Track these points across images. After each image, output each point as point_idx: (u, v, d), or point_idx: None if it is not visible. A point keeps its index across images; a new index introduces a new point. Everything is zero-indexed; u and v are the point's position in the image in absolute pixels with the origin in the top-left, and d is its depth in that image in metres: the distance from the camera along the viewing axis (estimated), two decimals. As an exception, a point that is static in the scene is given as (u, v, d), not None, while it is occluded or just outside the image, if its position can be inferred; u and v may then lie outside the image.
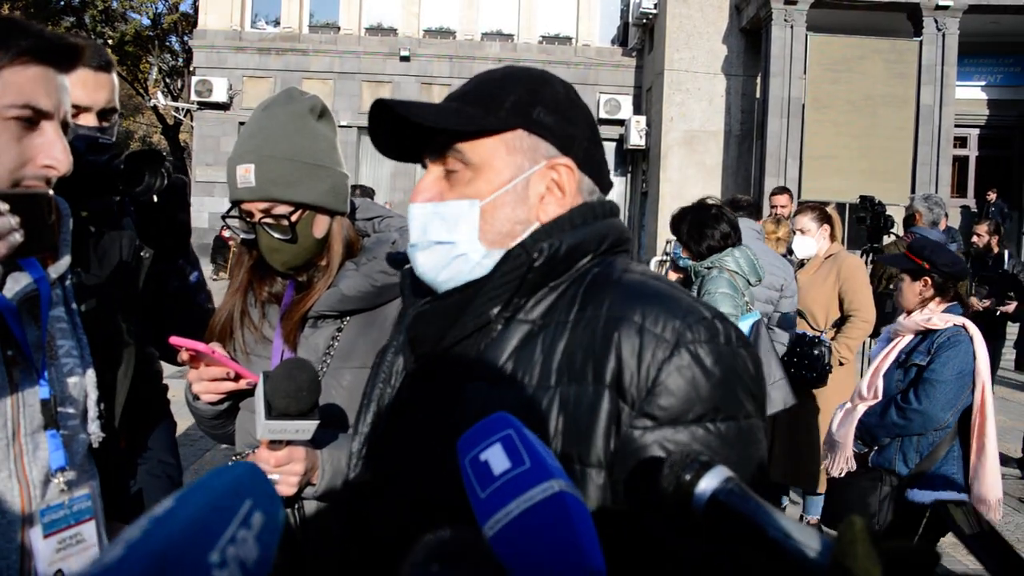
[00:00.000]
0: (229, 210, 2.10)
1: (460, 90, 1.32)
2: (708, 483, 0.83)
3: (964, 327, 4.09)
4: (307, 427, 1.68)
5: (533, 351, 1.19)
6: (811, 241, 5.87)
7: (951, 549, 4.98)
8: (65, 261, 1.65)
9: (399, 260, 2.02)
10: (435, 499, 1.15)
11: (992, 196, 19.81)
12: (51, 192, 1.55)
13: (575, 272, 1.25)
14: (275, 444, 1.70)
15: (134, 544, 0.61)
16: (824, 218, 5.93)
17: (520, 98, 1.26)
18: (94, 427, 1.68)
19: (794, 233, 5.97)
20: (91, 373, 1.69)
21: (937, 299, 4.18)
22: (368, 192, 8.56)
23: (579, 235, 1.25)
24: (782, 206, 7.41)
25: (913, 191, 16.06)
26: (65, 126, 1.57)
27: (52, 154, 1.51)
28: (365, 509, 1.35)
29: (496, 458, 0.86)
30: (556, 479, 0.82)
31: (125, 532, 0.63)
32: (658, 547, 1.02)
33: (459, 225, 1.25)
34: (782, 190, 7.72)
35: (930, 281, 4.16)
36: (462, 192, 1.26)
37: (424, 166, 1.33)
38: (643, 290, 1.18)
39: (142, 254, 1.96)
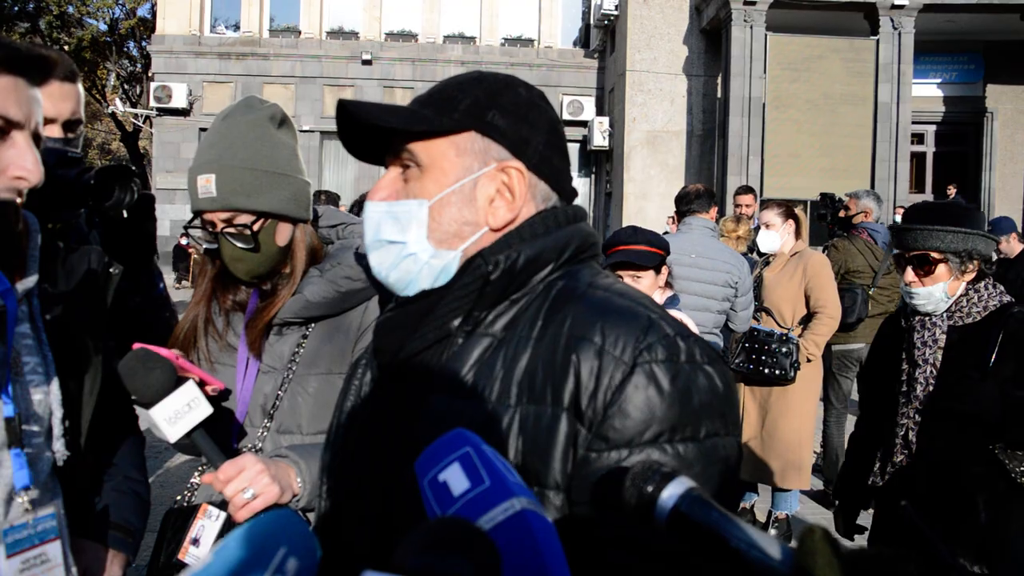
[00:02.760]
0: (191, 220, 2.08)
1: (425, 92, 1.32)
2: (670, 494, 0.83)
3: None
4: (188, 396, 1.72)
5: (494, 366, 1.18)
6: (775, 235, 5.89)
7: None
8: (32, 277, 1.63)
9: (364, 262, 2.02)
10: (399, 513, 1.15)
11: (952, 191, 20.10)
12: (19, 201, 1.53)
13: (537, 284, 1.23)
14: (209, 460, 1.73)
15: None
16: (789, 214, 5.96)
17: (477, 101, 1.26)
18: (59, 445, 1.66)
19: (758, 229, 5.99)
20: (56, 390, 1.66)
21: (661, 287, 4.27)
22: (333, 198, 8.52)
23: (538, 246, 1.23)
24: (747, 205, 7.39)
25: (873, 187, 16.26)
26: (37, 138, 1.55)
27: (23, 165, 1.49)
28: (335, 521, 1.34)
29: (455, 478, 0.85)
30: (517, 497, 0.81)
31: None
32: (619, 565, 1.02)
33: (409, 225, 1.24)
34: (746, 189, 7.67)
35: (666, 268, 4.23)
36: (413, 192, 1.25)
37: (386, 167, 1.33)
38: (605, 308, 1.16)
39: (111, 270, 1.93)
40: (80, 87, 2.41)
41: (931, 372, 3.08)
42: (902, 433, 3.14)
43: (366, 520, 1.22)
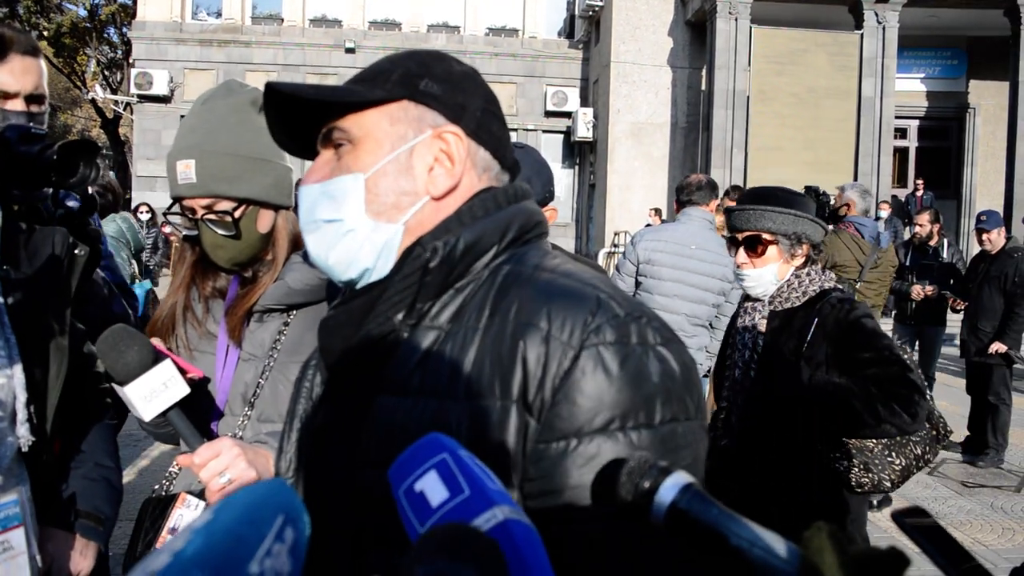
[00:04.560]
0: (170, 206, 2.05)
1: (355, 75, 1.27)
2: (668, 490, 0.80)
3: None
4: (164, 375, 1.70)
5: (441, 360, 1.11)
6: None
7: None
8: None
9: None
10: (352, 518, 1.11)
11: (920, 185, 20.03)
12: None
13: (481, 270, 1.17)
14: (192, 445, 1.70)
15: (179, 552, 0.63)
16: None
17: (408, 71, 1.21)
18: (23, 430, 1.63)
19: None
20: (20, 374, 1.63)
21: None
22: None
23: (477, 229, 1.17)
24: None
25: (856, 181, 16.34)
26: None
27: None
28: None
29: (432, 487, 0.80)
30: (499, 506, 0.77)
31: (169, 541, 0.65)
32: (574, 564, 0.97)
33: (346, 201, 1.18)
34: (736, 189, 7.50)
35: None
36: (346, 167, 1.19)
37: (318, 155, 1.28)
38: (551, 290, 1.10)
39: (76, 251, 1.89)
40: (42, 63, 2.36)
41: (750, 356, 3.13)
42: (723, 417, 3.16)
43: (322, 525, 1.18)
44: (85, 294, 2.21)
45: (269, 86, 1.20)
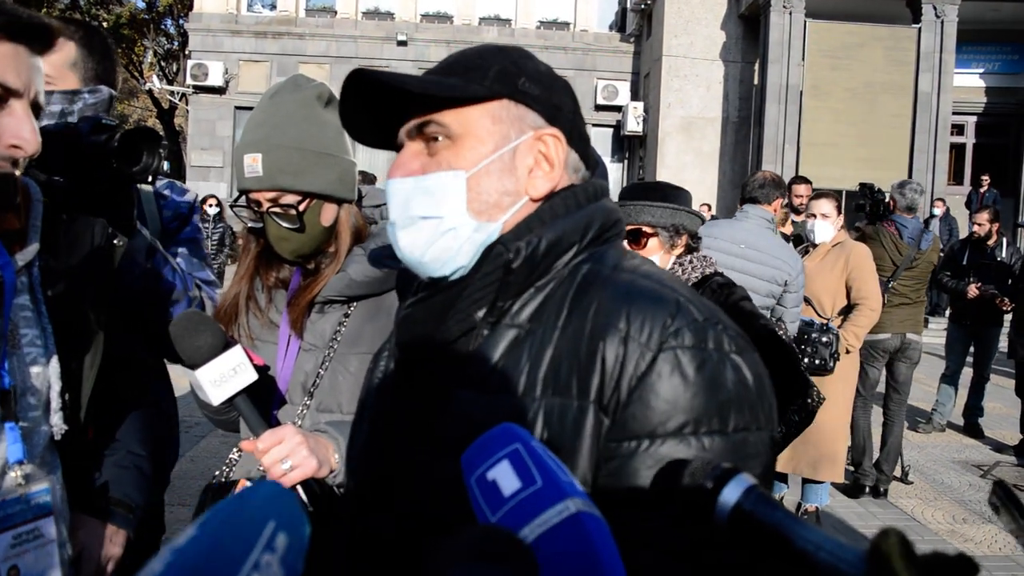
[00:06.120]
0: (236, 198, 2.09)
1: (440, 65, 1.26)
2: (732, 492, 0.79)
3: None
4: (234, 361, 1.74)
5: (520, 358, 1.12)
6: (829, 226, 5.80)
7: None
8: (33, 247, 1.61)
9: None
10: (425, 507, 1.12)
11: (986, 181, 19.57)
12: (17, 172, 1.51)
13: (562, 268, 1.18)
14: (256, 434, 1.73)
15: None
16: (839, 207, 5.90)
17: (505, 68, 1.20)
18: (57, 419, 1.63)
19: (814, 217, 5.86)
20: (55, 363, 1.63)
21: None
22: (369, 178, 8.52)
23: (559, 228, 1.17)
24: (806, 195, 6.90)
25: (910, 178, 16.04)
26: (36, 107, 1.52)
27: (19, 134, 1.46)
28: (360, 510, 1.30)
29: (505, 477, 0.81)
30: (571, 498, 0.77)
31: (148, 565, 0.62)
32: (648, 566, 0.97)
33: (445, 198, 1.17)
34: (802, 180, 7.23)
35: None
36: (448, 163, 1.18)
37: (398, 149, 1.26)
38: (631, 292, 1.11)
39: (115, 241, 1.91)
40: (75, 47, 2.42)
41: None
42: None
43: (392, 511, 1.19)
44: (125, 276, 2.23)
45: (359, 73, 1.18)
